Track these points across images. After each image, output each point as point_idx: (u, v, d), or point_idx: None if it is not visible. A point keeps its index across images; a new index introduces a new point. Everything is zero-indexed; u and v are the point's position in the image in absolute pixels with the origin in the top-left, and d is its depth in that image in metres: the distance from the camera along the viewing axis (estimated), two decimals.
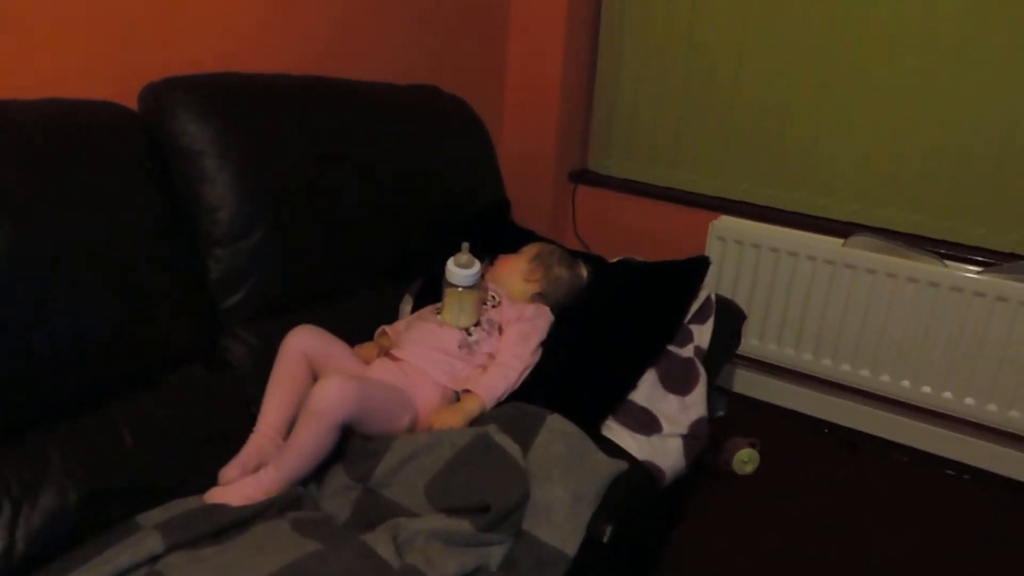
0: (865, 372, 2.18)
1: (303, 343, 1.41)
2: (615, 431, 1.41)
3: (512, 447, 1.24)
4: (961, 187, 2.02)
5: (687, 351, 1.60)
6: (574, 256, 1.77)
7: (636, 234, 2.48)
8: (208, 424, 1.34)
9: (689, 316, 1.66)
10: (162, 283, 1.32)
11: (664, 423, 1.45)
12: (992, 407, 2.06)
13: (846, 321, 2.16)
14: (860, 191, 2.14)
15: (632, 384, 1.48)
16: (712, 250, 2.31)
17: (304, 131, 1.55)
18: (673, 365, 1.55)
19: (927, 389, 2.12)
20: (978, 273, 1.98)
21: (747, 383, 2.47)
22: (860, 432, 2.31)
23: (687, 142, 2.35)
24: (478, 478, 1.20)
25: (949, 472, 2.15)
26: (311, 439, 1.24)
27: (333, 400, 1.22)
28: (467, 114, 2.03)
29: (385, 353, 1.50)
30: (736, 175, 2.30)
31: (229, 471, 1.27)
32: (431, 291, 1.62)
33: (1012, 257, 2.00)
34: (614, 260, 1.89)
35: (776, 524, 1.85)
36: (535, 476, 1.21)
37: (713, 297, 1.74)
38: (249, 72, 1.55)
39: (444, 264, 1.47)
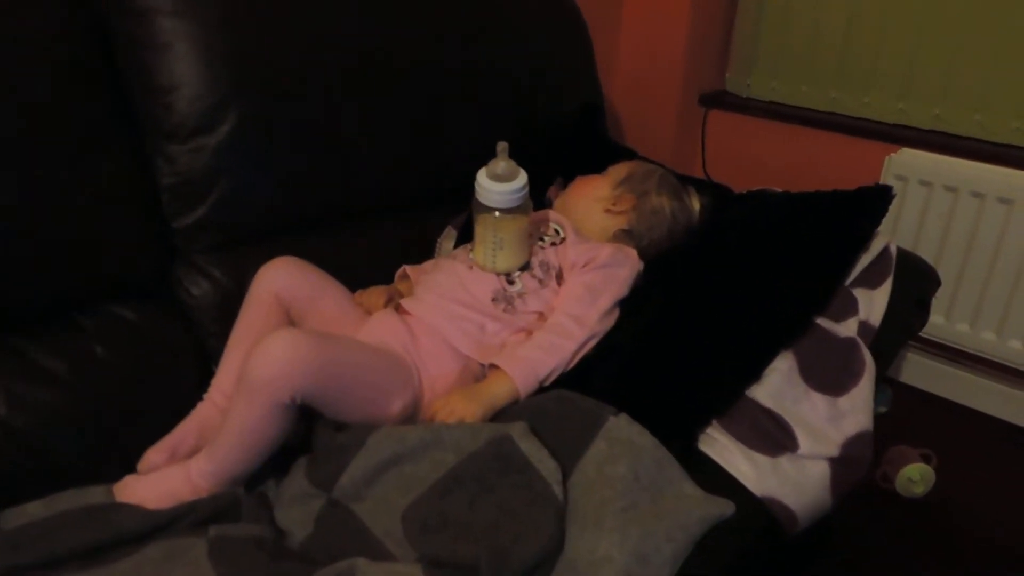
0: None
1: (277, 282, 1.09)
2: (721, 446, 1.01)
3: (545, 463, 0.86)
4: None
5: (847, 327, 1.18)
6: (683, 182, 1.34)
7: (784, 172, 2.17)
8: (141, 386, 1.07)
9: (854, 275, 1.24)
10: (86, 188, 1.03)
11: (802, 437, 1.03)
12: None
13: None
14: None
15: (754, 373, 1.07)
16: None
17: None
18: (823, 348, 1.14)
19: None
20: None
21: (920, 372, 2.14)
22: None
23: (859, 53, 2.03)
24: (483, 508, 0.83)
25: None
26: (247, 422, 0.92)
27: (274, 367, 0.89)
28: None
29: (397, 303, 1.14)
30: (926, 96, 1.95)
31: (153, 454, 1.01)
32: None
33: None
34: (743, 191, 1.46)
35: (952, 569, 1.56)
36: (576, 515, 0.82)
37: (893, 249, 1.25)
38: None
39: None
